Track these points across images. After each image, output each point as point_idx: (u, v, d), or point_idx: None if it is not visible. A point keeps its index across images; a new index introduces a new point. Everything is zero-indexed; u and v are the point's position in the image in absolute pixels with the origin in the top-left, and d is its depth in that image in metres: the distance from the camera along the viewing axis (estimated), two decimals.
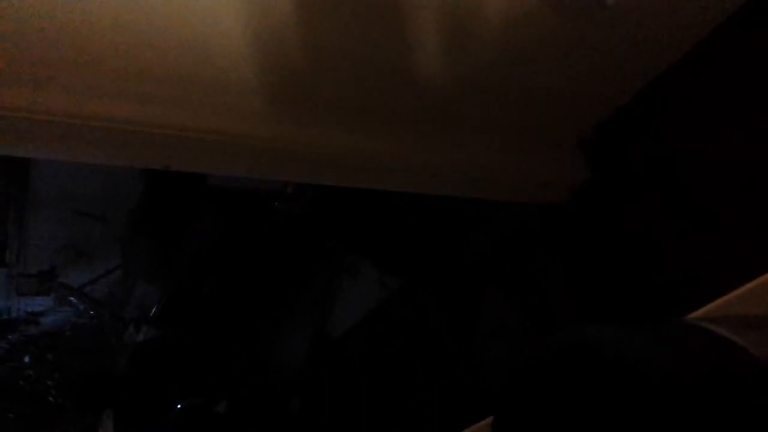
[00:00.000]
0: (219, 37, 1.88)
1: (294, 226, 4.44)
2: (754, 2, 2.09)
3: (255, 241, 4.52)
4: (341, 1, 1.93)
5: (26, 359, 5.55)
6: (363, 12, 1.96)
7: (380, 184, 2.48)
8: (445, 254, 3.74)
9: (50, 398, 5.58)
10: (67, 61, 1.81)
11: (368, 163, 2.26)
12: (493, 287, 3.42)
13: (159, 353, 5.14)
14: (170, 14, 1.82)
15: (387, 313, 4.27)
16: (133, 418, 5.41)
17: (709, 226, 2.18)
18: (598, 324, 0.74)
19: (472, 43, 2.14)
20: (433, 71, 2.17)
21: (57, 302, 5.10)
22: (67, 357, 5.59)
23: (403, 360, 4.11)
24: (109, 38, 1.80)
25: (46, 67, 1.80)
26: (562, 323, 2.81)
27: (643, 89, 2.42)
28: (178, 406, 4.74)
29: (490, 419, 1.06)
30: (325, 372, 4.75)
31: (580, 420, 0.70)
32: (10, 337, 5.44)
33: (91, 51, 1.80)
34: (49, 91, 1.82)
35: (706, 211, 2.21)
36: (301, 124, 2.08)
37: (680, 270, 2.25)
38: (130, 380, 5.44)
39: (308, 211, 4.27)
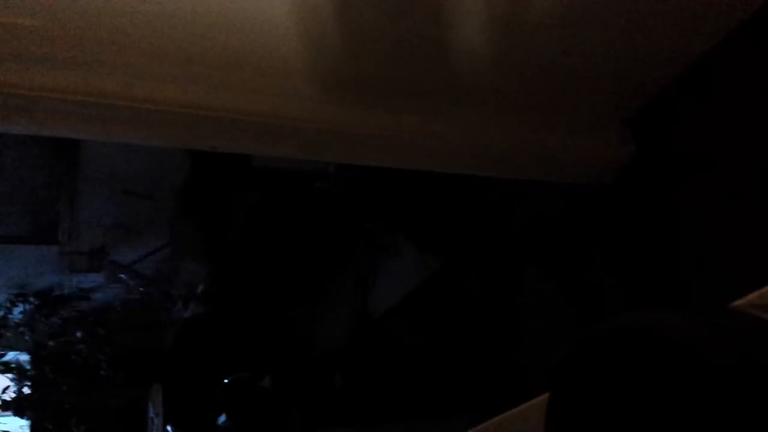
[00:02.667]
0: (267, 22, 1.90)
1: (335, 205, 4.48)
2: None
3: (297, 220, 4.58)
4: None
5: (78, 334, 5.72)
6: None
7: (425, 165, 2.49)
8: (486, 232, 3.74)
9: (101, 372, 5.75)
10: (120, 44, 1.85)
11: (413, 144, 2.27)
12: (533, 265, 3.42)
13: (206, 329, 5.25)
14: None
15: (427, 292, 4.30)
16: (181, 392, 5.55)
17: (754, 212, 2.14)
18: (652, 309, 0.75)
19: (517, 24, 2.13)
20: (479, 52, 2.17)
21: (108, 279, 5.23)
22: (117, 332, 5.74)
23: (443, 337, 4.14)
24: (162, 23, 1.84)
25: (98, 50, 1.84)
26: (603, 302, 2.80)
27: (688, 70, 2.37)
28: (225, 380, 4.84)
29: (542, 398, 1.08)
30: (366, 348, 4.81)
31: (637, 402, 0.71)
32: (63, 312, 5.61)
33: (144, 36, 1.84)
34: (101, 73, 1.87)
35: (751, 197, 2.17)
36: (346, 105, 2.10)
37: (723, 254, 2.22)
38: (178, 355, 5.57)
39: (349, 191, 4.30)
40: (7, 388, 5.74)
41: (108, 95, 1.88)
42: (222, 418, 4.97)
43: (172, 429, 3.43)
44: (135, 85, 1.90)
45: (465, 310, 3.98)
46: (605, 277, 2.82)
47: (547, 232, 3.26)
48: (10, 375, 5.84)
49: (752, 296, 0.86)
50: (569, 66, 2.29)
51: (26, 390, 5.90)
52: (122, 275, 5.20)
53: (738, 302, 0.87)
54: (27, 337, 5.79)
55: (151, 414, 6.07)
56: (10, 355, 5.97)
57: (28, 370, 5.89)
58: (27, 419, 6.21)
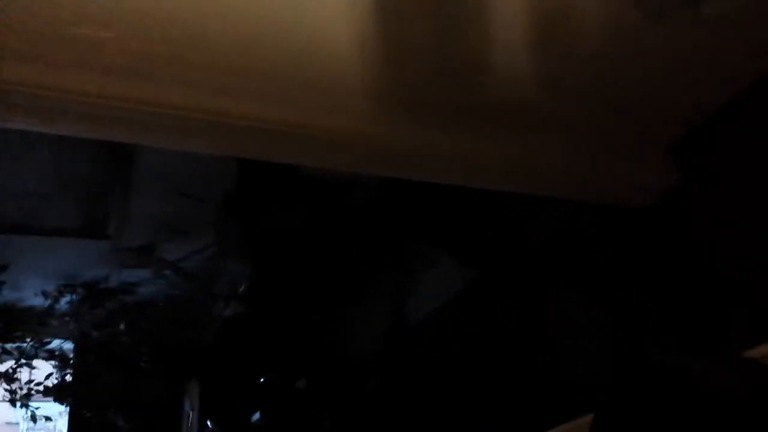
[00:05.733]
0: (323, 40, 1.99)
1: (376, 215, 4.56)
2: None
3: (339, 227, 4.67)
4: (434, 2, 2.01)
5: (122, 326, 5.89)
6: (454, 13, 2.03)
7: (471, 182, 2.56)
8: (525, 248, 3.78)
9: (142, 364, 5.91)
10: (174, 56, 1.94)
11: (461, 161, 2.33)
12: (573, 285, 3.44)
13: (245, 329, 5.38)
14: (279, 15, 1.94)
15: (464, 303, 4.34)
16: (217, 389, 5.68)
17: None
18: (687, 354, 0.84)
19: (564, 46, 2.18)
20: (525, 72, 2.22)
21: (153, 275, 5.39)
22: (159, 327, 5.89)
23: (479, 350, 4.17)
24: (218, 35, 1.93)
25: (154, 60, 1.94)
26: (641, 327, 2.82)
27: (736, 98, 2.40)
28: (261, 380, 4.95)
29: (583, 419, 1.15)
30: (400, 358, 4.87)
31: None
32: (108, 305, 5.77)
33: (198, 47, 1.93)
34: (157, 82, 1.96)
35: None
36: (398, 122, 2.17)
37: (758, 293, 2.24)
38: (217, 353, 5.71)
39: (390, 201, 4.37)
40: (50, 375, 5.93)
41: (164, 105, 1.97)
42: (256, 416, 5.08)
43: (211, 424, 3.53)
44: (191, 96, 1.99)
45: (502, 322, 4.02)
46: (644, 300, 2.84)
47: (587, 252, 3.29)
48: (53, 362, 6.03)
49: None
50: (617, 91, 2.33)
51: (68, 378, 6.08)
52: (167, 271, 5.34)
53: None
54: (72, 327, 5.97)
55: (188, 409, 6.22)
56: (55, 343, 6.17)
57: (71, 358, 6.08)
58: (67, 406, 6.40)
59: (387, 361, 4.96)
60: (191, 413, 6.04)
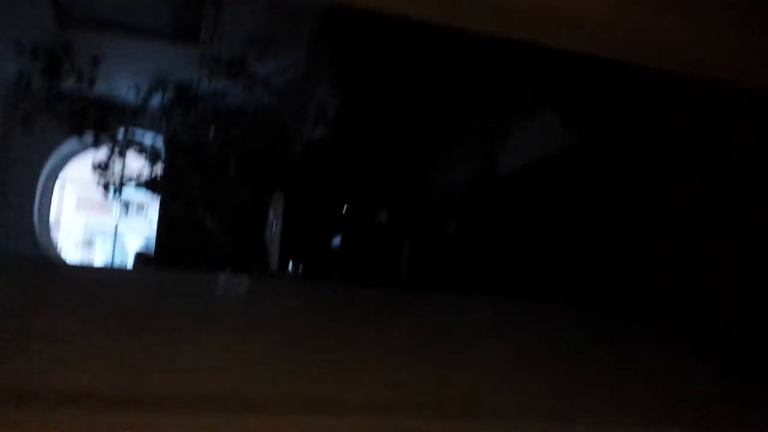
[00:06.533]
0: None
1: (485, 59, 4.19)
2: None
3: (441, 66, 4.33)
4: None
5: (212, 131, 5.86)
6: None
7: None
8: (639, 125, 3.41)
9: (231, 170, 5.94)
10: None
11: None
12: (686, 169, 3.11)
13: (333, 153, 5.26)
14: None
15: (559, 165, 4.05)
16: (301, 206, 5.71)
17: None
18: None
19: None
20: None
21: (244, 88, 5.23)
22: (249, 136, 5.84)
23: (564, 218, 3.95)
24: None
25: None
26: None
27: None
28: (344, 207, 4.91)
29: None
30: (485, 204, 4.69)
31: None
32: (198, 109, 5.71)
33: None
34: None
35: None
36: None
37: None
38: (304, 171, 5.66)
39: (504, 51, 3.95)
40: (142, 169, 6.06)
41: None
42: (336, 241, 5.12)
43: (293, 265, 3.53)
44: None
45: (597, 199, 3.75)
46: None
47: (704, 134, 2.92)
48: (145, 157, 6.15)
49: None
50: None
51: (159, 173, 6.22)
52: (258, 85, 5.18)
53: None
54: (163, 125, 6.00)
55: (271, 219, 6.34)
56: (147, 139, 6.25)
57: (162, 156, 6.17)
58: (157, 198, 6.63)
59: (472, 205, 4.80)
60: (274, 224, 6.15)
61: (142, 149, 6.10)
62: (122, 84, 5.85)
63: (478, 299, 3.40)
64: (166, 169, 6.16)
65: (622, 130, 3.56)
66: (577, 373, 2.15)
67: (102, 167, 5.95)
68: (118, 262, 8.75)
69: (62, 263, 6.93)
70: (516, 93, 4.29)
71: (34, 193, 6.76)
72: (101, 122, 5.82)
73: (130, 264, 7.25)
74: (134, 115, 5.90)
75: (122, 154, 6.02)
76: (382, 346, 2.13)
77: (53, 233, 7.49)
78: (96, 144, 5.91)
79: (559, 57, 2.93)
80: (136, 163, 6.18)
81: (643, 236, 3.31)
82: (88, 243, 9.44)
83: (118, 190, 6.11)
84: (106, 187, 6.10)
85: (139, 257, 7.08)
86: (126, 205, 6.11)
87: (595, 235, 3.67)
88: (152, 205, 7.27)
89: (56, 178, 7.30)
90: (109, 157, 5.98)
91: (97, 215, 9.71)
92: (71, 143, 6.32)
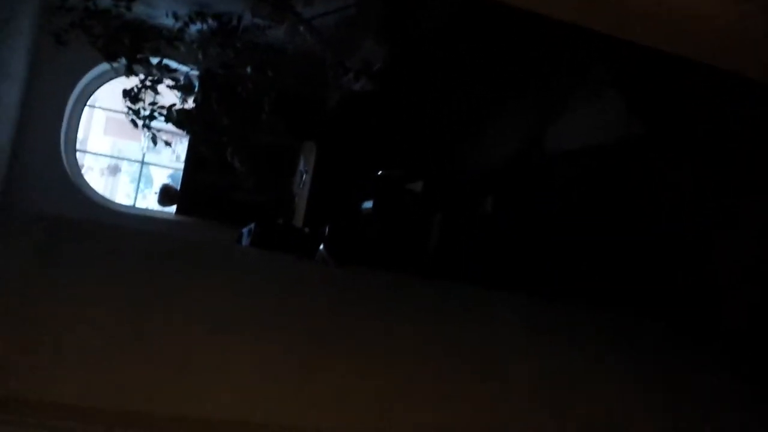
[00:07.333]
0: None
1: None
2: None
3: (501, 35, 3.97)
4: None
5: (248, 69, 5.56)
6: None
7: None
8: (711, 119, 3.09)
9: (263, 113, 5.66)
10: None
11: None
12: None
13: (372, 109, 4.95)
14: None
15: (618, 154, 3.72)
16: (334, 160, 5.45)
17: None
18: None
19: None
20: None
21: (287, 31, 4.90)
22: (285, 79, 5.54)
23: (615, 211, 3.65)
24: None
25: None
26: None
27: None
28: (379, 172, 4.63)
29: None
30: (526, 182, 4.39)
31: None
32: (238, 45, 5.41)
33: None
34: None
35: None
36: None
37: None
38: (340, 124, 5.38)
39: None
40: (173, 104, 5.79)
41: None
42: (367, 204, 4.85)
43: (324, 249, 3.29)
44: None
45: (659, 193, 3.43)
46: None
47: None
48: (177, 91, 5.86)
49: None
50: None
51: (191, 108, 5.95)
52: (301, 28, 4.85)
53: None
54: (199, 57, 5.72)
55: (302, 168, 6.09)
56: (181, 71, 5.97)
57: (195, 90, 5.90)
58: (187, 135, 6.39)
59: (512, 181, 4.49)
60: (304, 173, 5.92)
61: (175, 81, 5.82)
62: (160, 10, 5.57)
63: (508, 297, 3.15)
64: (198, 105, 5.89)
65: (689, 132, 3.25)
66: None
67: (133, 95, 5.69)
68: (143, 190, 8.58)
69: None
70: (581, 71, 3.92)
71: (62, 115, 6.59)
72: (135, 48, 5.53)
73: (155, 194, 7.08)
74: (170, 45, 5.60)
75: (154, 84, 5.75)
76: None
77: (79, 156, 7.35)
78: (128, 71, 5.64)
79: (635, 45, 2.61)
80: (167, 96, 5.90)
81: (697, 245, 3.07)
82: (114, 169, 9.29)
83: (148, 120, 5.86)
84: (137, 113, 5.85)
85: (165, 190, 6.90)
86: (154, 137, 5.87)
87: (641, 237, 3.41)
88: (181, 140, 7.05)
89: (86, 101, 7.11)
90: (141, 86, 5.71)
91: (125, 141, 9.55)
92: (103, 67, 6.09)
